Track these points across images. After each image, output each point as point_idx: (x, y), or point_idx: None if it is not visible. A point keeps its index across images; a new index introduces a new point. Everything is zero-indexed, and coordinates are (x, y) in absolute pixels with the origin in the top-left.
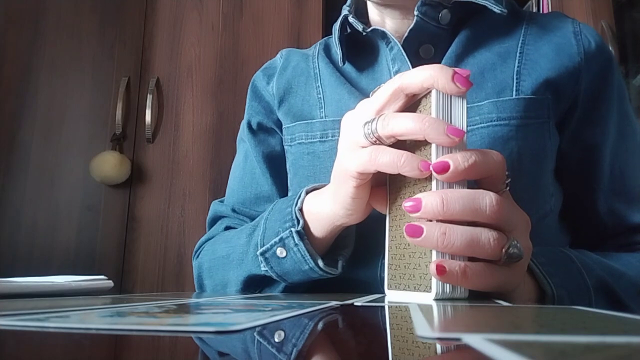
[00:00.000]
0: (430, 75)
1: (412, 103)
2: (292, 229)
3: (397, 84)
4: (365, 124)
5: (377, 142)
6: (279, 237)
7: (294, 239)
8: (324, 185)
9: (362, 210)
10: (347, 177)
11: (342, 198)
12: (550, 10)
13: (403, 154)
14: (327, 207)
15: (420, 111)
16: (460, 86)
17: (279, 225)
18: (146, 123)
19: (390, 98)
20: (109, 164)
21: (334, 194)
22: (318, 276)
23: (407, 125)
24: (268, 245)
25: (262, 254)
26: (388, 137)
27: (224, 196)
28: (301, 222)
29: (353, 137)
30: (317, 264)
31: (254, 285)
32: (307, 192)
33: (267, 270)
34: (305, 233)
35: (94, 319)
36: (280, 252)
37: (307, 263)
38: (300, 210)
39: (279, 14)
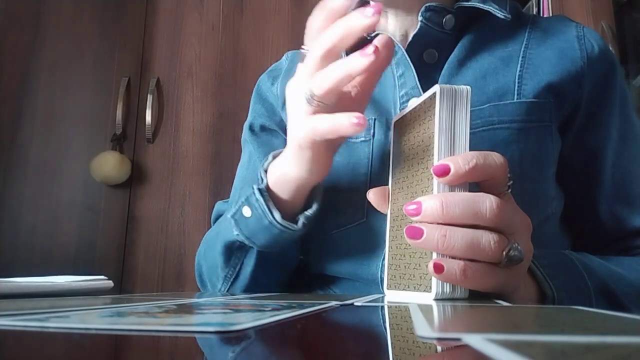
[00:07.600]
0: (346, 24)
1: (415, 110)
2: (255, 186)
3: (324, 48)
4: (304, 91)
5: (321, 103)
6: (245, 197)
7: (255, 195)
8: None
9: (325, 169)
10: (301, 146)
11: (303, 164)
12: (550, 9)
13: (336, 116)
14: (290, 171)
15: (423, 115)
16: (370, 15)
17: (249, 189)
18: (146, 123)
19: (322, 62)
20: (109, 164)
21: (294, 160)
22: (278, 232)
23: (334, 73)
24: (237, 207)
25: (232, 216)
26: (326, 95)
27: (224, 196)
28: (265, 180)
29: (299, 106)
30: (274, 217)
31: (233, 255)
32: (275, 157)
33: (237, 234)
34: (269, 192)
35: (94, 319)
36: (246, 211)
37: (266, 217)
38: (266, 171)
39: (279, 14)
